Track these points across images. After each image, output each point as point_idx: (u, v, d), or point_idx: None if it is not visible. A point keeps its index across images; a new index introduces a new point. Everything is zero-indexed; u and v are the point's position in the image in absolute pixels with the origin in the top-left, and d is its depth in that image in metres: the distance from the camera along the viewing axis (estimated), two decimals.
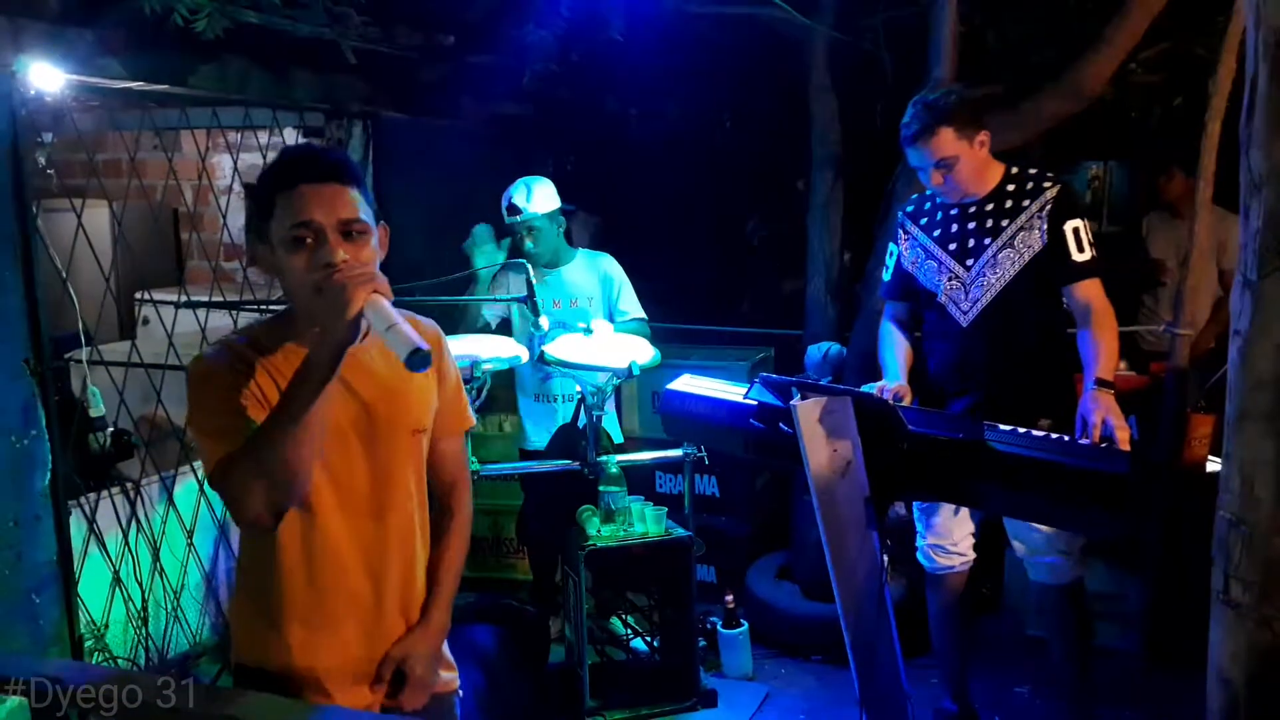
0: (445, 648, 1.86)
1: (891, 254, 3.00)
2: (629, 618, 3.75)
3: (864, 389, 2.61)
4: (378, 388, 1.68)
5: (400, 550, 1.73)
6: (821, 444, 2.13)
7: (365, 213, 1.58)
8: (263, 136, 3.98)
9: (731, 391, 2.58)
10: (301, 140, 4.44)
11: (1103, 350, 2.62)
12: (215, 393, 1.58)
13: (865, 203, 4.11)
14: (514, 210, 3.59)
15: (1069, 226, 2.69)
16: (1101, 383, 2.52)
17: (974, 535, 2.98)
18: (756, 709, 3.48)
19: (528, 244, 3.61)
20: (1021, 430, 2.26)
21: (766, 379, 2.36)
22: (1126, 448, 2.30)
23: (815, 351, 3.83)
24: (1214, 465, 3.11)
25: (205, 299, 3.58)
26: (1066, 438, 2.31)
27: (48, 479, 2.83)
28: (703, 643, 3.61)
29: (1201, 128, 3.16)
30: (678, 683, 3.43)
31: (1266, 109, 1.27)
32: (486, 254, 3.69)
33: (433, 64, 4.13)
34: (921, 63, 3.55)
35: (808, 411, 2.12)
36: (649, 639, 3.66)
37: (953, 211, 2.85)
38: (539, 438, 3.74)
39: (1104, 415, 2.37)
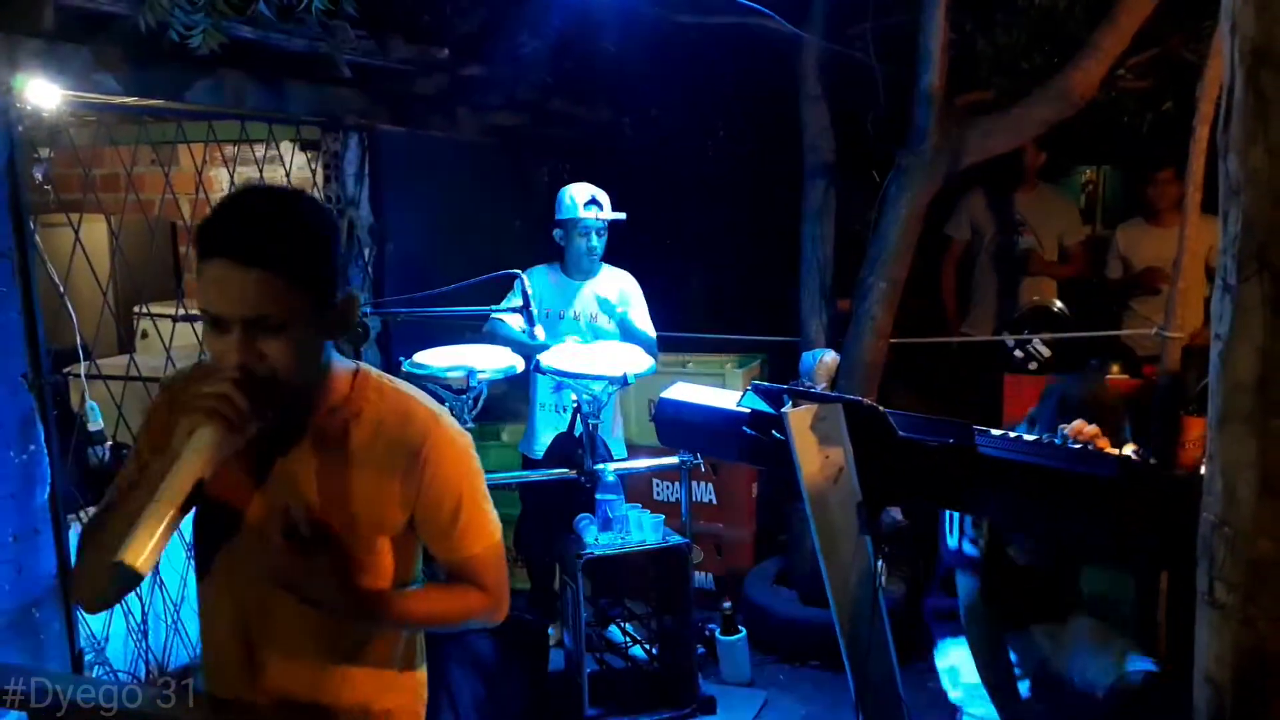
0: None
1: None
2: (627, 625, 3.76)
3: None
4: (295, 485, 1.49)
5: (284, 655, 1.52)
6: (813, 451, 2.14)
7: (294, 301, 1.34)
8: (259, 150, 4.00)
9: (725, 399, 2.60)
10: (298, 155, 4.47)
11: None
12: (142, 433, 1.50)
13: (858, 210, 4.13)
14: (596, 206, 3.65)
15: None
16: None
17: None
18: (755, 715, 3.49)
19: (593, 242, 3.67)
20: (1012, 435, 2.27)
21: (759, 386, 2.37)
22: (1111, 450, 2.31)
23: (809, 358, 3.85)
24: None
25: None
26: (1057, 442, 2.32)
27: (47, 493, 2.84)
28: (701, 649, 3.63)
29: (1190, 132, 3.18)
30: (676, 689, 3.44)
31: (1242, 116, 1.29)
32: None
33: (428, 76, 4.16)
34: (912, 70, 3.58)
35: (799, 419, 2.13)
36: (648, 646, 3.67)
37: None
38: (546, 445, 3.77)
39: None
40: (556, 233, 3.72)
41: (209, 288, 1.33)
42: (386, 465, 1.50)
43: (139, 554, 1.19)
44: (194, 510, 1.39)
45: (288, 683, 1.54)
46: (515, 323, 3.60)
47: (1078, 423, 2.36)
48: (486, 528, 1.59)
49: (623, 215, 3.71)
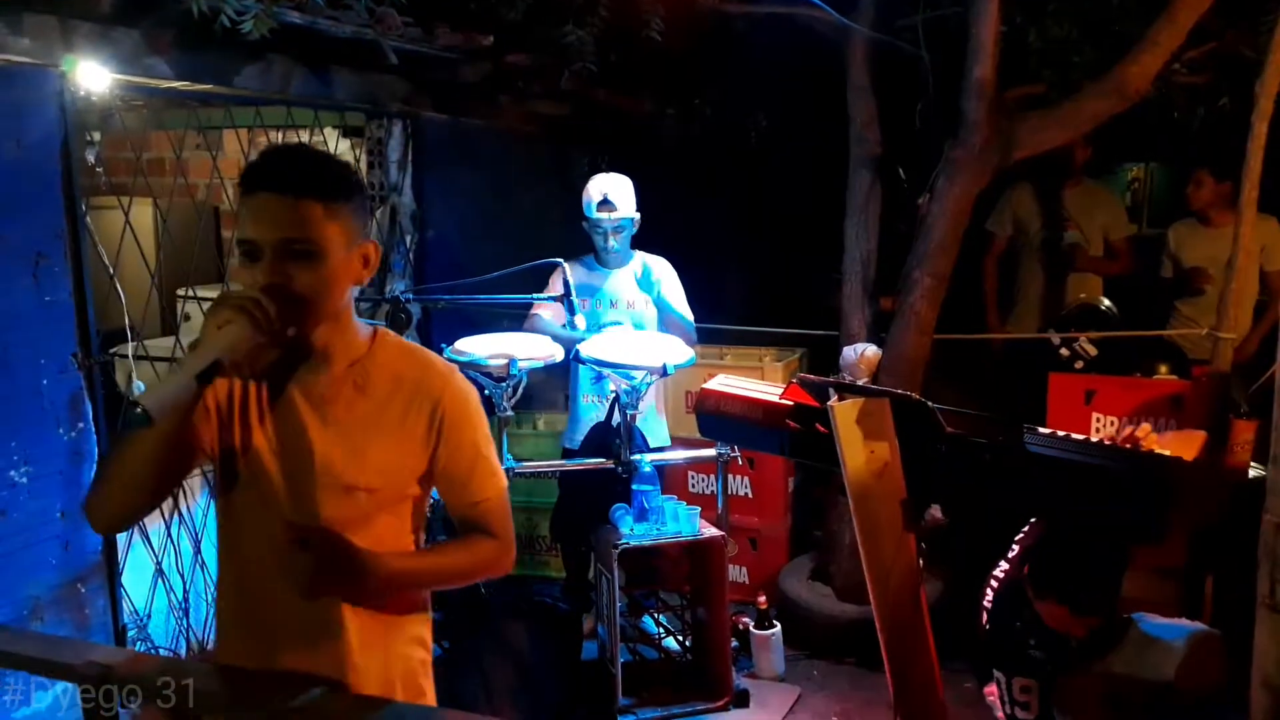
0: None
1: None
2: (661, 616, 3.76)
3: None
4: (316, 437, 1.54)
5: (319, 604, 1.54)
6: (858, 445, 2.12)
7: (324, 229, 1.45)
8: (304, 136, 4.03)
9: (767, 392, 2.58)
10: (342, 142, 4.50)
11: None
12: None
13: (903, 203, 4.08)
14: (608, 206, 3.61)
15: None
16: None
17: None
18: (788, 710, 3.47)
19: (611, 241, 3.65)
20: (1060, 434, 2.23)
21: (803, 379, 2.36)
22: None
23: (850, 352, 3.81)
24: (1256, 471, 3.06)
25: None
26: (1106, 441, 2.28)
27: (94, 470, 2.89)
28: (735, 643, 3.61)
29: (1247, 129, 3.11)
30: (710, 682, 3.44)
31: None
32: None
33: (472, 64, 4.16)
34: (961, 63, 3.53)
35: (845, 412, 2.11)
36: (681, 638, 3.67)
37: None
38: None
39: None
40: (584, 225, 3.72)
41: (248, 219, 1.45)
42: (408, 413, 1.58)
43: (153, 400, 1.32)
44: (220, 467, 1.57)
45: (291, 646, 1.57)
46: (555, 316, 3.60)
47: (1144, 424, 2.32)
48: (495, 475, 1.68)
49: (634, 214, 3.68)
